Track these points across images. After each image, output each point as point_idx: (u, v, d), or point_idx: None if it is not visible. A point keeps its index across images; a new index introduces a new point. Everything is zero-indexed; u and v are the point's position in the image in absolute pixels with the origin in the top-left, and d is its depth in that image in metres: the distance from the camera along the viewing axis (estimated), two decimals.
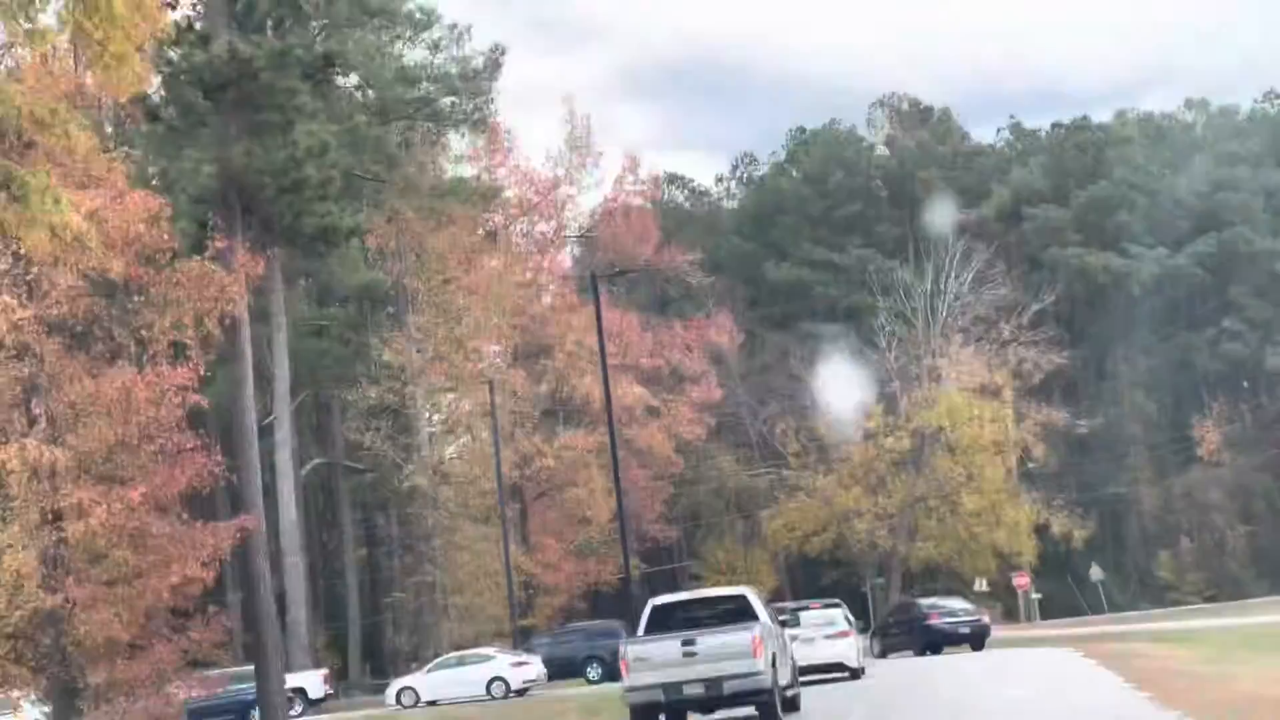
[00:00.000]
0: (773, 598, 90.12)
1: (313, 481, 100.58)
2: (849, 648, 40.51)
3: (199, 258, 34.22)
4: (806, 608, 48.27)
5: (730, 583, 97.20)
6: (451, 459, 72.30)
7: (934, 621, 52.57)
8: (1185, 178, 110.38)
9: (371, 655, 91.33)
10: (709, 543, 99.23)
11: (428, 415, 71.01)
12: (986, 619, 54.26)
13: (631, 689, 27.02)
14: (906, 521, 72.10)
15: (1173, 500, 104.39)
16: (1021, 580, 79.59)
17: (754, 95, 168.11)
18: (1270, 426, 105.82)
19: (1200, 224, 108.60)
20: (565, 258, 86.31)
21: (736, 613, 28.27)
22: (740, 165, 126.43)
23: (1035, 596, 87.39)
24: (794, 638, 37.24)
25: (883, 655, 55.87)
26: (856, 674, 40.78)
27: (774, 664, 27.36)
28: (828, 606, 48.01)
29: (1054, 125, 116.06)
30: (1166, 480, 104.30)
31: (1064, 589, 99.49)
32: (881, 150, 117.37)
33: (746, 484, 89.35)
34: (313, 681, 60.13)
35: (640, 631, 28.51)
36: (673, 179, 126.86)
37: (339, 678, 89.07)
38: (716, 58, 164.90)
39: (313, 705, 59.33)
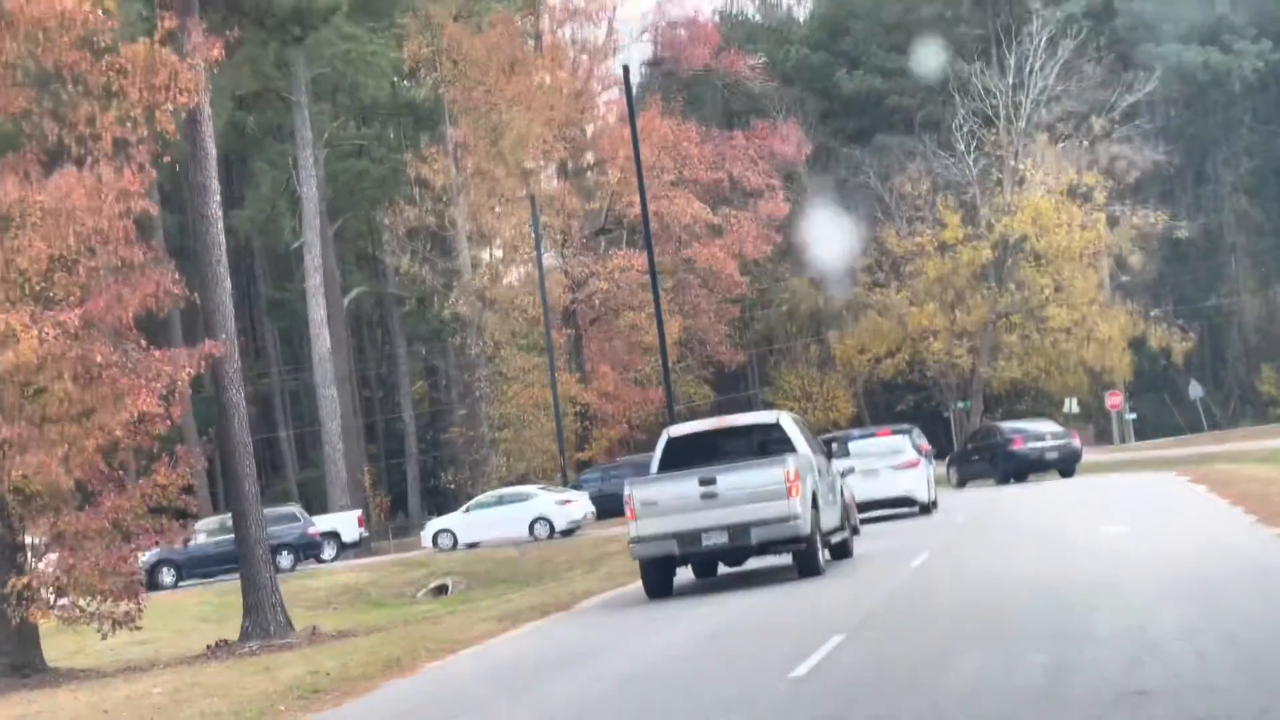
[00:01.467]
0: (851, 424, 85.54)
1: (363, 311, 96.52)
2: (918, 479, 35.41)
3: (146, 40, 29.06)
4: (871, 434, 43.24)
5: (805, 410, 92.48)
6: (499, 283, 67.27)
7: (1018, 447, 47.17)
8: None
9: (432, 493, 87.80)
10: (782, 368, 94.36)
11: (469, 236, 65.98)
12: (1077, 442, 48.72)
13: (639, 539, 22.16)
14: (988, 340, 66.14)
15: (1277, 311, 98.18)
16: (1114, 399, 74.01)
17: None
18: None
19: None
20: (618, 66, 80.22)
21: (769, 444, 23.26)
22: None
23: (1130, 417, 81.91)
24: (850, 470, 32.29)
25: (961, 485, 50.72)
26: (927, 509, 35.76)
27: (814, 504, 22.38)
28: (897, 433, 43.00)
29: None
30: (1271, 289, 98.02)
31: (1161, 408, 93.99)
32: None
33: (821, 306, 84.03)
34: (347, 523, 56.23)
35: (654, 468, 23.62)
36: None
37: (393, 516, 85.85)
38: None
39: (347, 549, 55.46)
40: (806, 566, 22.18)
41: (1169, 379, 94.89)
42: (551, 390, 60.19)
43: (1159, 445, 76.05)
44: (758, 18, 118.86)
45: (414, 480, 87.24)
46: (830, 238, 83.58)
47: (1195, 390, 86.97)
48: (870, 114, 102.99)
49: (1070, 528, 25.74)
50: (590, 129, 76.31)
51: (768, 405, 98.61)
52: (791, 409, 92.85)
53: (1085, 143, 64.37)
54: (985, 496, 41.78)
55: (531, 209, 59.92)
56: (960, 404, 73.82)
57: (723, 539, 21.78)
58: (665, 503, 21.84)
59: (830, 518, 23.88)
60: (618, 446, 72.71)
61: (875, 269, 70.40)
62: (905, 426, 46.44)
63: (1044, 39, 67.21)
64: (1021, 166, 64.40)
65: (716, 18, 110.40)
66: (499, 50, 67.10)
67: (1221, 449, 61.52)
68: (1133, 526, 24.18)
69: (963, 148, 67.10)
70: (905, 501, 35.51)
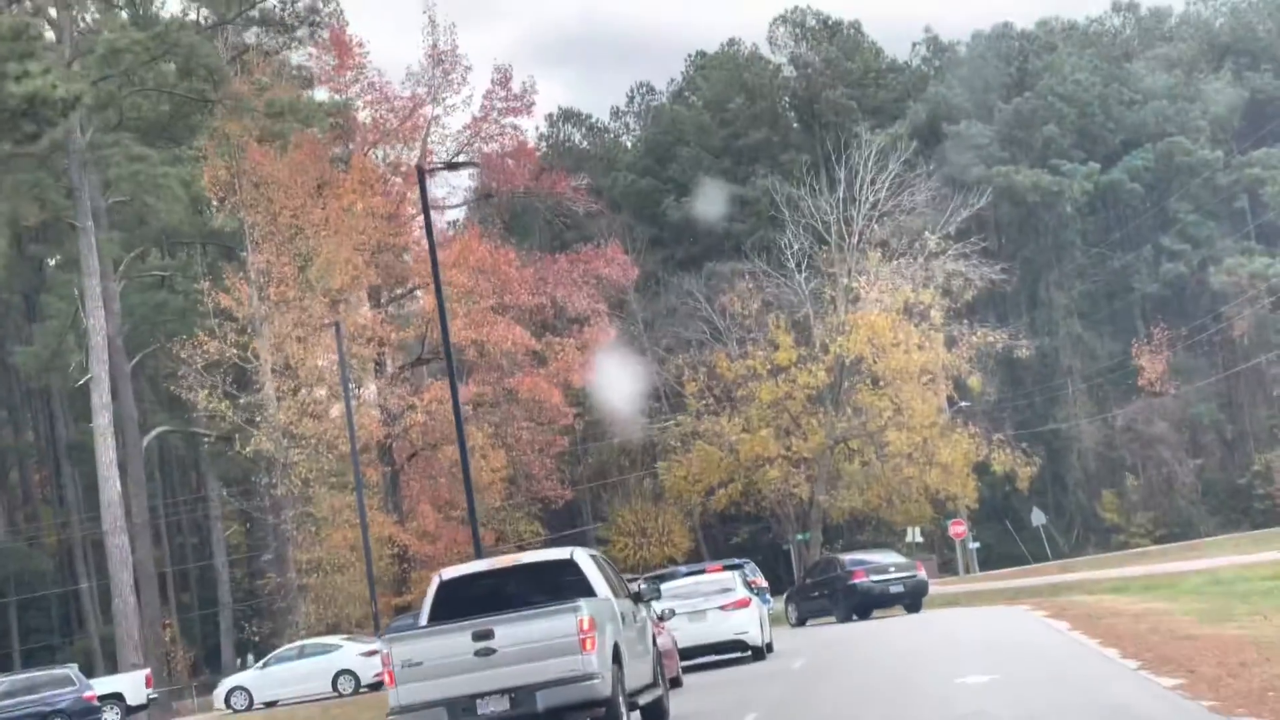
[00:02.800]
0: (689, 559, 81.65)
1: (172, 452, 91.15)
2: (749, 620, 31.47)
3: None
4: (700, 570, 39.41)
5: (639, 547, 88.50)
6: (306, 418, 62.58)
7: (860, 580, 43.46)
8: (1116, 87, 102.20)
9: (246, 645, 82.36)
10: (614, 503, 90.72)
11: (275, 369, 61.44)
12: (923, 574, 45.22)
13: (400, 710, 18.00)
14: (825, 467, 62.71)
15: (1115, 435, 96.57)
16: (958, 528, 71.02)
17: (654, 34, 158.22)
18: (1215, 351, 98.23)
19: (1134, 136, 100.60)
20: (433, 188, 76.45)
21: (562, 586, 19.27)
22: (637, 96, 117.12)
23: (974, 546, 79.19)
24: (671, 612, 28.40)
25: (801, 623, 46.90)
26: (761, 653, 31.82)
27: (617, 658, 18.44)
28: (729, 568, 39.25)
29: (974, 36, 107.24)
30: (1108, 413, 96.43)
31: (1003, 536, 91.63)
32: (787, 71, 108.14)
33: (655, 438, 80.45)
34: (133, 684, 51.11)
35: (423, 619, 19.57)
36: (568, 115, 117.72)
37: (204, 669, 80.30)
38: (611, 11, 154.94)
39: (134, 712, 50.34)
40: None
41: (1011, 507, 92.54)
42: (362, 531, 55.56)
43: (1004, 575, 73.27)
44: (585, 144, 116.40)
45: (227, 630, 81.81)
46: (657, 366, 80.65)
47: (1038, 518, 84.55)
48: (701, 241, 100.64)
49: (923, 678, 22.01)
50: (409, 256, 72.43)
51: (601, 542, 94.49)
52: (625, 547, 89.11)
53: (920, 259, 61.65)
54: (826, 637, 38.01)
55: (337, 336, 55.58)
56: (800, 536, 70.30)
57: (503, 706, 17.70)
58: (432, 663, 17.76)
59: (639, 673, 19.93)
60: None
61: (706, 394, 66.81)
62: (738, 561, 42.72)
63: (873, 152, 64.64)
64: (855, 284, 61.47)
65: (544, 145, 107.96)
66: (304, 172, 63.25)
67: (1069, 579, 58.59)
68: (995, 677, 20.47)
69: (794, 265, 64.05)
70: (736, 645, 31.56)
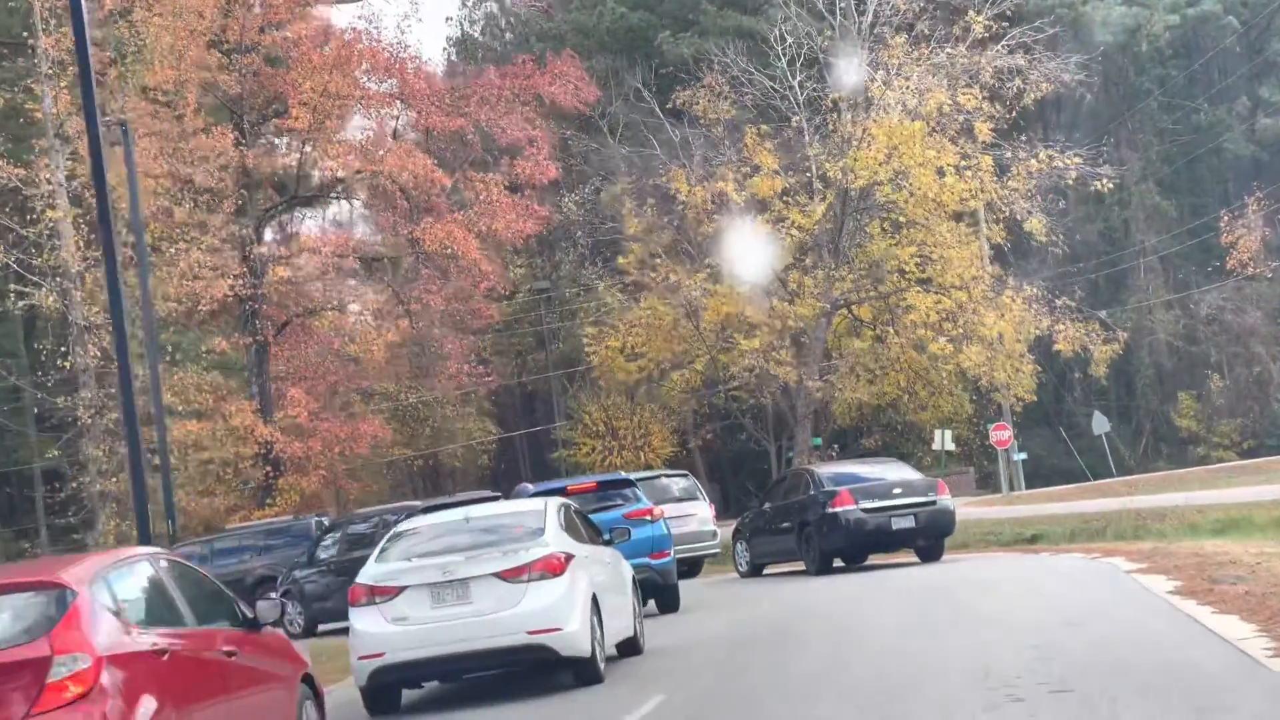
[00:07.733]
0: (670, 467, 64.66)
1: None
2: (557, 602, 14.10)
3: None
4: (559, 489, 22.48)
5: (608, 451, 71.69)
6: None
7: (845, 508, 26.21)
8: None
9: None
10: (583, 397, 73.88)
11: (72, 196, 44.75)
12: (946, 499, 27.52)
13: None
14: (820, 341, 44.38)
15: (1196, 326, 79.39)
16: (1002, 434, 53.92)
17: None
18: None
19: None
20: None
21: None
22: None
23: (1019, 457, 62.00)
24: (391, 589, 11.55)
25: (754, 571, 29.81)
26: (587, 670, 14.73)
27: None
28: (610, 485, 22.41)
29: None
30: (1188, 300, 79.24)
31: (1053, 446, 74.92)
32: None
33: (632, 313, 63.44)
34: None
35: None
36: None
37: None
38: None
39: None
40: None
41: (1063, 409, 76.22)
42: (156, 416, 38.44)
43: (1059, 495, 56.46)
44: None
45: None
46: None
47: (1100, 424, 67.79)
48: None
49: None
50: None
51: (566, 445, 77.63)
52: (590, 450, 72.12)
53: (961, 47, 43.60)
54: (763, 615, 20.75)
55: (125, 142, 38.41)
56: (815, 441, 52.19)
57: None
58: None
59: None
60: (311, 501, 51.99)
61: (655, 233, 48.93)
62: (622, 475, 25.20)
63: None
64: (870, 84, 43.43)
65: None
66: None
67: (1149, 503, 41.63)
68: None
69: (785, 62, 46.23)
70: (529, 652, 14.54)
